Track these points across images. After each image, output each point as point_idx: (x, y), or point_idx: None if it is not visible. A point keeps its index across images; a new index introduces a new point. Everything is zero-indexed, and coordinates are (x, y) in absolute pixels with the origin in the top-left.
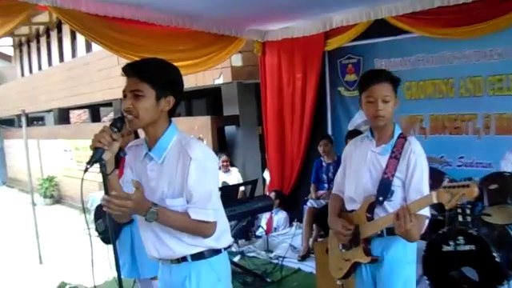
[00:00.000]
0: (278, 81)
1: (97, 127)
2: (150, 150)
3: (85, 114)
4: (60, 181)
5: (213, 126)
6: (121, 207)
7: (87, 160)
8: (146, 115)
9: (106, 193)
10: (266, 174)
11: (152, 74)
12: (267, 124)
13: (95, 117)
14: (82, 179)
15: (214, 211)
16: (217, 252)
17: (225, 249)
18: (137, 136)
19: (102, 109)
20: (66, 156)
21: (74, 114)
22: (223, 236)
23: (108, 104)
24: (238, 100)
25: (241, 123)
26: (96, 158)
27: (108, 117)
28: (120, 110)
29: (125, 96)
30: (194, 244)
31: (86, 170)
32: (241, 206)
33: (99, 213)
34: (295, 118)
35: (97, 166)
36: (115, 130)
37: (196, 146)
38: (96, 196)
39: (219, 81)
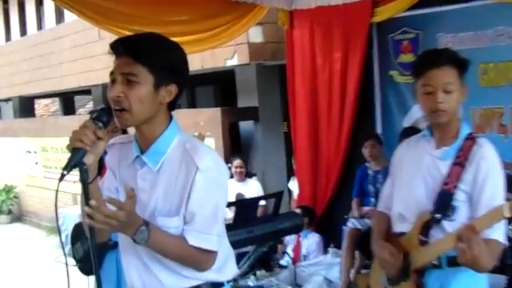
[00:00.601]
0: (310, 62)
1: (70, 122)
2: (142, 153)
3: (54, 105)
4: (21, 192)
5: (224, 121)
6: (110, 219)
7: (63, 164)
8: (140, 108)
9: (87, 205)
10: (293, 185)
11: (151, 54)
12: (295, 119)
13: (68, 108)
14: (57, 190)
15: (218, 238)
16: (218, 286)
17: (228, 282)
18: (124, 132)
19: (76, 98)
20: (29, 159)
21: (39, 105)
22: (226, 265)
23: (85, 91)
24: (258, 87)
25: (260, 118)
26: (75, 161)
27: (85, 108)
28: (103, 99)
29: (113, 81)
30: (190, 276)
31: (61, 178)
32: (261, 226)
33: (77, 235)
34: (333, 112)
35: (74, 172)
36: (100, 125)
37: (205, 152)
38: (69, 212)
39: (232, 62)
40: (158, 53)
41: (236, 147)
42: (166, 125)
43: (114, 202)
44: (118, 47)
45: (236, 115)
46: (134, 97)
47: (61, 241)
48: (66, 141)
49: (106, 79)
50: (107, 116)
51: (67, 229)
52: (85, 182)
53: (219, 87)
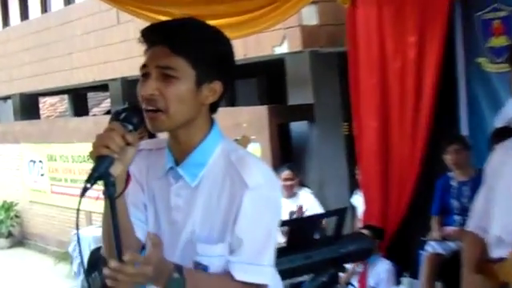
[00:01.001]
0: (377, 49)
1: (82, 124)
2: (177, 164)
3: (62, 104)
4: (23, 210)
5: (271, 121)
6: (135, 277)
7: (73, 177)
8: (179, 109)
9: (115, 227)
10: (357, 200)
11: (193, 45)
12: (360, 119)
13: (80, 108)
14: (78, 210)
15: (270, 269)
16: None
17: None
18: (151, 137)
19: (90, 95)
20: (32, 170)
21: (45, 104)
22: None
23: (100, 87)
24: (312, 80)
25: (316, 118)
26: (101, 171)
27: (100, 107)
28: (123, 97)
29: (145, 75)
30: None
31: (83, 193)
32: (320, 250)
33: (94, 262)
34: (407, 110)
35: (97, 186)
36: (130, 128)
37: (254, 165)
38: (83, 234)
39: (281, 49)
40: (201, 43)
41: (286, 154)
42: (206, 130)
43: (135, 258)
44: (152, 35)
45: (286, 115)
46: (171, 95)
47: (85, 272)
48: (76, 147)
49: (126, 72)
50: (138, 117)
51: (79, 254)
52: (111, 197)
53: (265, 80)
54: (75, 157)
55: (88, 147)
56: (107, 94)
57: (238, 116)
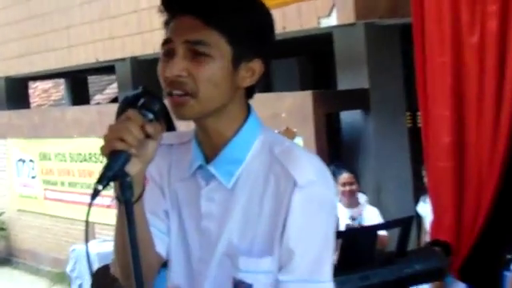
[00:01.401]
0: (449, 20)
1: (83, 115)
2: (207, 161)
3: (58, 90)
4: (10, 221)
5: (316, 111)
6: None
7: (72, 179)
8: (212, 93)
9: (132, 239)
10: (424, 208)
11: (230, 15)
12: (427, 108)
13: (79, 94)
14: (87, 220)
15: (331, 285)
16: None
17: None
18: (170, 128)
19: (92, 79)
20: (22, 172)
21: (35, 90)
22: None
23: (105, 69)
24: (368, 59)
25: (372, 106)
26: (115, 170)
27: (104, 94)
28: (134, 80)
29: (168, 53)
30: None
31: (95, 196)
32: (380, 270)
33: (100, 284)
34: (486, 95)
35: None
36: (151, 117)
37: (304, 159)
38: (83, 250)
39: (330, 22)
40: (239, 12)
41: (335, 152)
42: (242, 120)
43: None
44: (177, 2)
45: (335, 102)
46: (203, 76)
47: None
48: (75, 144)
49: (137, 50)
50: (159, 103)
51: (80, 275)
52: (128, 201)
53: (309, 60)
54: (74, 155)
55: (90, 143)
56: (113, 77)
57: (274, 104)
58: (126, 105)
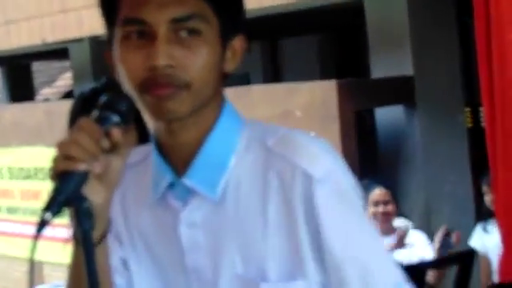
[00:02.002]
0: None
1: (27, 116)
2: (178, 176)
3: None
4: None
5: (343, 107)
6: None
7: (44, 202)
8: (206, 81)
9: (92, 285)
10: (490, 238)
11: None
12: (494, 101)
13: (20, 88)
14: (32, 259)
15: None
16: None
17: None
18: (143, 138)
19: (37, 67)
20: None
21: None
22: None
23: (55, 53)
24: (412, 38)
25: (419, 99)
26: (68, 192)
27: (55, 87)
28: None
29: (137, 36)
30: None
31: (42, 226)
32: None
33: None
34: None
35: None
36: (115, 119)
37: (309, 143)
38: None
39: None
40: None
41: (369, 161)
42: (217, 114)
43: None
44: None
45: (368, 95)
46: (198, 63)
47: None
48: (16, 155)
49: (98, 28)
50: (126, 100)
51: None
52: (87, 234)
53: (331, 38)
54: (14, 170)
55: (35, 154)
56: (66, 64)
57: (285, 99)
58: (81, 104)
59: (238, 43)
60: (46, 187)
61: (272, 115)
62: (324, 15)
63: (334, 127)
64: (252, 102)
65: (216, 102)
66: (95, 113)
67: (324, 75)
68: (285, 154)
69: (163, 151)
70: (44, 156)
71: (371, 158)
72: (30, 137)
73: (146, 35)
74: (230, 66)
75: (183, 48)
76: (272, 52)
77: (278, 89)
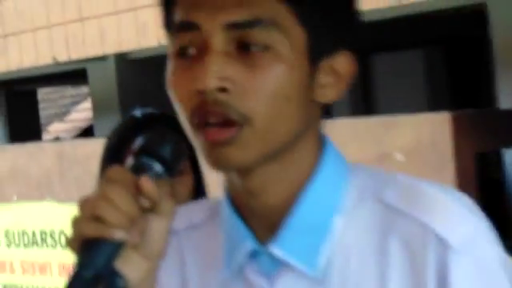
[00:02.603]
0: None
1: (30, 160)
2: (262, 242)
3: None
4: None
5: (459, 148)
6: None
7: (65, 278)
8: (282, 117)
9: None
10: None
11: None
12: None
13: (23, 122)
14: None
15: None
16: None
17: None
18: (199, 190)
19: (45, 94)
20: None
21: None
22: None
23: (71, 76)
24: None
25: None
26: (98, 267)
27: (69, 121)
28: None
29: (188, 51)
30: None
31: None
32: None
33: None
34: None
35: None
36: (158, 169)
37: (443, 198)
38: None
39: None
40: None
41: (496, 217)
42: (315, 157)
43: None
44: None
45: (495, 132)
46: (265, 87)
47: None
48: (17, 213)
49: (128, 42)
50: (175, 143)
51: None
52: None
53: (440, 55)
54: (14, 234)
55: (44, 211)
56: (83, 90)
57: (381, 136)
58: (118, 144)
59: (341, 63)
60: (56, 258)
61: (363, 158)
62: (431, 23)
63: (448, 175)
64: (337, 140)
65: (310, 142)
66: (131, 160)
67: (433, 104)
68: (411, 211)
69: (239, 209)
70: (54, 215)
71: (498, 215)
72: (35, 189)
73: (197, 49)
74: (329, 93)
75: (245, 65)
76: (362, 72)
77: (371, 123)
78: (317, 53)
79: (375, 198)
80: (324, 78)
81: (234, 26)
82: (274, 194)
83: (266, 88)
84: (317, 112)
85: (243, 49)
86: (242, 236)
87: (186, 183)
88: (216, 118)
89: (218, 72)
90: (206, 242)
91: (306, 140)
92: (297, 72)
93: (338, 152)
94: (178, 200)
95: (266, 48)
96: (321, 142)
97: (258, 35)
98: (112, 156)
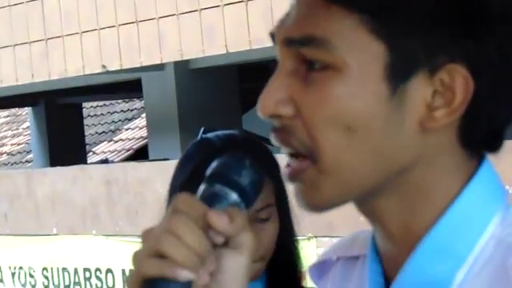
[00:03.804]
0: None
1: (74, 187)
2: (387, 283)
3: (16, 131)
4: None
5: None
6: None
7: None
8: (355, 154)
9: None
10: None
11: None
12: None
13: (65, 141)
14: None
15: None
16: None
17: None
18: (283, 237)
19: (90, 109)
20: None
21: None
22: None
23: (121, 87)
24: None
25: None
26: None
27: (120, 140)
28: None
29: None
30: None
31: None
32: None
33: None
34: None
35: None
36: (234, 198)
37: None
38: None
39: None
40: None
41: None
42: (452, 189)
43: None
44: None
45: None
46: (326, 111)
47: None
48: (57, 246)
49: (190, 48)
50: (251, 170)
51: None
52: None
53: None
54: (53, 272)
55: (89, 245)
56: (137, 104)
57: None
58: (185, 173)
59: (456, 78)
60: None
61: None
62: None
63: None
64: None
65: (440, 171)
66: (202, 187)
67: None
68: None
69: (378, 244)
70: (100, 251)
71: None
72: (79, 220)
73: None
74: (443, 118)
75: (310, 89)
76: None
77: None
78: (403, 71)
79: (502, 257)
80: (425, 99)
81: (290, 43)
82: (397, 228)
83: (325, 114)
84: (440, 139)
85: (309, 67)
86: (374, 274)
87: (269, 232)
88: (287, 147)
89: (274, 95)
90: (356, 278)
91: (433, 170)
92: (369, 96)
93: (494, 184)
94: (255, 249)
95: (326, 68)
96: (469, 170)
97: (316, 54)
98: (183, 184)
